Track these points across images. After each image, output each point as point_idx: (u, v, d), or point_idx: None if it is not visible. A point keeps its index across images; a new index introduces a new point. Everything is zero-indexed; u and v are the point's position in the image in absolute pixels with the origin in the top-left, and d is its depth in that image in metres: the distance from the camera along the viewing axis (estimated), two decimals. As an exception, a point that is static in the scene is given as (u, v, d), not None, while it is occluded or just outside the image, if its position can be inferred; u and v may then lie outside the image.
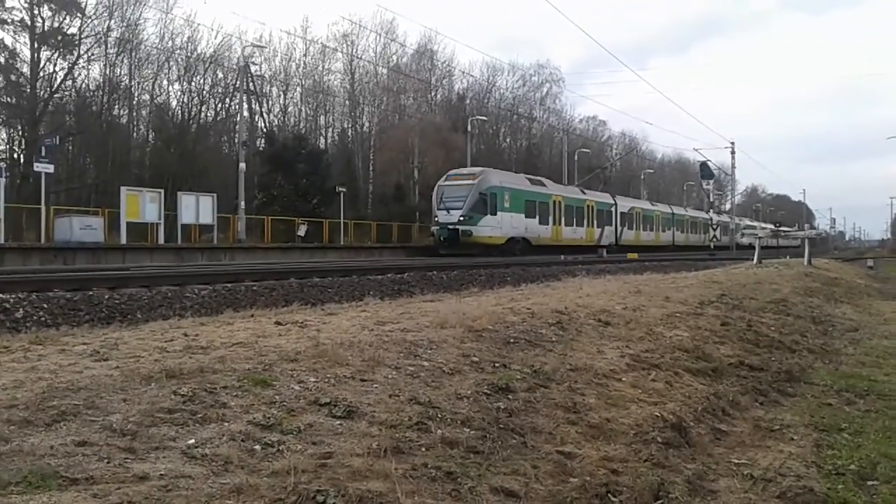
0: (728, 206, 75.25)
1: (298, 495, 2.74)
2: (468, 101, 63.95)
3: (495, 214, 35.63)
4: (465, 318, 6.23)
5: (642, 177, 76.02)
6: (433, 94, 63.08)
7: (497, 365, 5.06)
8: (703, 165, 63.84)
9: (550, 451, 3.85)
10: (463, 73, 65.22)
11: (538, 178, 44.00)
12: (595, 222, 45.99)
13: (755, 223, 77.64)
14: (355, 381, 4.19)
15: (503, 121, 68.07)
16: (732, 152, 63.25)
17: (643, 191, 71.41)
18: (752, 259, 22.92)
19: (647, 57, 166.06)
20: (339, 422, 3.57)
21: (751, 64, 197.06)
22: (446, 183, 36.79)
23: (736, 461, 4.54)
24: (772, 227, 31.69)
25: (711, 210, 67.79)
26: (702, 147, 78.13)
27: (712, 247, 58.01)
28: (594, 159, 69.60)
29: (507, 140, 69.43)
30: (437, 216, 35.96)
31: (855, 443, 5.07)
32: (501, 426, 3.98)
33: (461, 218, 34.64)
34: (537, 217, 39.32)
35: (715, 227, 63.82)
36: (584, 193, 46.49)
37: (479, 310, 7.02)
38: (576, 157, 60.66)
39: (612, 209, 49.03)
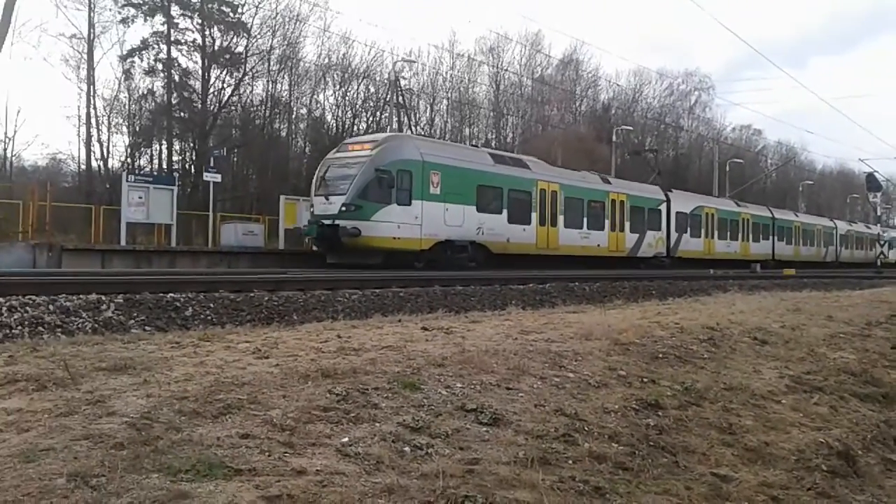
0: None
1: (447, 499, 2.77)
2: (613, 111, 62.68)
3: (407, 204, 22.15)
4: (611, 331, 6.11)
5: (800, 188, 71.60)
6: (578, 104, 62.37)
7: (645, 380, 4.93)
8: (870, 177, 59.22)
9: (704, 473, 3.69)
10: (609, 82, 64.03)
11: (514, 154, 29.81)
12: (626, 225, 31.45)
13: None
14: (500, 389, 4.20)
15: (649, 131, 66.19)
16: (904, 162, 58.35)
17: (800, 203, 67.17)
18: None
19: (805, 56, 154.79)
20: (485, 428, 3.60)
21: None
22: (335, 156, 23.74)
23: (912, 496, 4.18)
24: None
25: (879, 224, 62.65)
26: (868, 157, 72.33)
27: (878, 263, 53.35)
28: (748, 170, 66.16)
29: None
30: (312, 206, 23.37)
31: None
32: (651, 443, 3.86)
33: (343, 208, 21.39)
34: (504, 211, 25.10)
35: (882, 242, 58.92)
36: (608, 183, 31.73)
37: (625, 323, 6.87)
38: (727, 168, 57.95)
39: (662, 207, 34.21)
